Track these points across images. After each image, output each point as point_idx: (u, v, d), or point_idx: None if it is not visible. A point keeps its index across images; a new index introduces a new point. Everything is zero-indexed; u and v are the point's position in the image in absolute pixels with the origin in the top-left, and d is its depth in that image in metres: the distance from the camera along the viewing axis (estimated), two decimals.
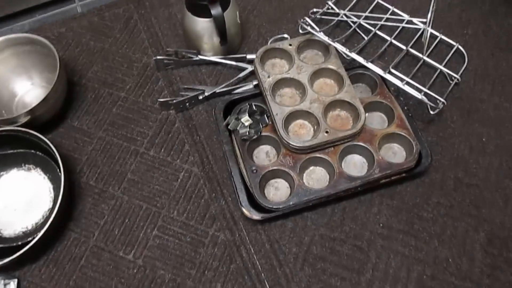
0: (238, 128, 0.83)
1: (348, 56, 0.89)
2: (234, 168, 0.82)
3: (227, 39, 0.88)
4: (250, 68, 0.93)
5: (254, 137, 0.83)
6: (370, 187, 0.82)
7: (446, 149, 0.88)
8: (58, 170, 0.81)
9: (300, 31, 0.93)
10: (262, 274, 0.77)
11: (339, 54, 0.89)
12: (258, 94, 0.89)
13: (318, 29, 0.92)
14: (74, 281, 0.78)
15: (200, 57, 0.95)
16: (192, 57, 0.95)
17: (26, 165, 0.86)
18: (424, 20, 0.94)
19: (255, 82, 0.91)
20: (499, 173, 0.85)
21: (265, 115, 0.85)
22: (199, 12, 0.87)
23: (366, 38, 0.97)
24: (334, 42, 0.88)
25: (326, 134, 0.80)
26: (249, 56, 0.94)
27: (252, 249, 0.80)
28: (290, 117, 0.83)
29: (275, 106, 0.83)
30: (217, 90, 0.91)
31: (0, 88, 0.91)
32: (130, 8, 1.06)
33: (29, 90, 0.93)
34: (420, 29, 0.97)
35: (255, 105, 0.86)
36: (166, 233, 0.82)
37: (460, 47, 0.97)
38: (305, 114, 0.83)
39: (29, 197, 0.84)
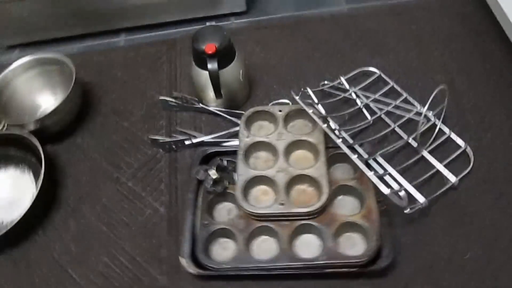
0: (204, 180, 0.84)
1: (339, 135, 0.86)
2: (190, 217, 0.83)
3: (221, 93, 0.91)
4: None
5: (217, 192, 0.83)
6: (318, 273, 0.77)
7: (420, 256, 0.80)
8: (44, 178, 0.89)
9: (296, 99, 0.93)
10: None
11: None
12: None
13: (316, 101, 0.91)
14: (21, 283, 0.83)
15: (202, 105, 0.99)
16: (194, 104, 0.99)
17: (24, 167, 0.96)
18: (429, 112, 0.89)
19: None
20: None
21: (235, 174, 0.86)
22: (204, 65, 0.91)
23: (370, 118, 0.93)
24: (327, 116, 0.86)
25: (280, 206, 0.77)
26: None
27: None
28: (255, 181, 0.82)
29: (242, 166, 0.83)
30: (205, 139, 0.94)
31: (27, 100, 1.04)
32: (163, 49, 1.15)
33: (52, 104, 1.04)
34: (429, 121, 0.91)
35: (229, 161, 0.86)
36: (114, 263, 0.84)
37: (469, 150, 0.89)
38: (270, 182, 0.82)
39: (15, 196, 0.93)
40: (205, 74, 0.92)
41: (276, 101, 0.98)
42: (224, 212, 0.85)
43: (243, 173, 0.82)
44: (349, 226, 0.78)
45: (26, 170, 0.95)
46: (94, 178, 0.95)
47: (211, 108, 0.98)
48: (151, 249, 0.85)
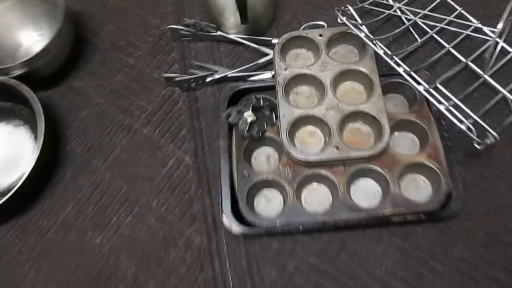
0: (239, 123, 0.72)
1: (391, 59, 0.73)
2: (225, 167, 0.71)
3: (247, 18, 0.75)
4: (272, 54, 0.80)
5: (255, 137, 0.71)
6: (379, 222, 0.68)
7: (487, 194, 0.71)
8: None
9: (339, 21, 0.79)
10: None
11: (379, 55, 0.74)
12: (274, 86, 0.76)
13: (360, 22, 0.77)
14: (37, 252, 0.73)
15: (220, 33, 0.83)
16: (211, 32, 0.83)
17: (16, 120, 0.81)
18: (496, 29, 0.76)
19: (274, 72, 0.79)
20: None
21: (273, 113, 0.73)
22: None
23: (419, 40, 0.80)
24: (375, 40, 0.73)
25: (336, 150, 0.66)
26: (274, 41, 0.81)
27: (227, 263, 0.70)
28: (300, 122, 0.70)
29: (284, 105, 0.70)
30: (230, 73, 0.80)
31: (6, 38, 0.86)
32: None
33: (37, 41, 0.87)
34: (488, 40, 0.78)
35: (264, 98, 0.73)
36: (140, 223, 0.73)
37: None
38: (318, 122, 0.69)
39: (11, 155, 0.79)
40: None
41: (309, 23, 0.83)
42: (263, 158, 0.74)
43: (286, 113, 0.69)
44: (413, 168, 0.68)
45: (20, 124, 0.81)
46: (102, 127, 0.81)
47: (231, 36, 0.83)
48: (182, 205, 0.74)
